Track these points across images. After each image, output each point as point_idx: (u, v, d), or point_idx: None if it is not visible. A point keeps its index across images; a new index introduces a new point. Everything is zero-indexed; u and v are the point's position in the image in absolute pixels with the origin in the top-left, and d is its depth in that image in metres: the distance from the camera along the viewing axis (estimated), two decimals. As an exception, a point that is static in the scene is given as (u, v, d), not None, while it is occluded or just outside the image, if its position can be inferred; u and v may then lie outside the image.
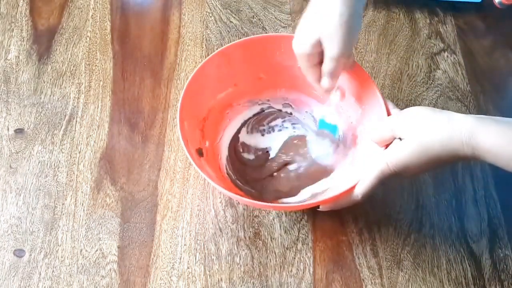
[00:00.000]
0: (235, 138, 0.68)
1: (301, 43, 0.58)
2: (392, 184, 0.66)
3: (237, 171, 0.66)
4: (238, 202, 0.64)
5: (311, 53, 0.58)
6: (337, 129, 0.65)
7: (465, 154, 0.49)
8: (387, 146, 0.56)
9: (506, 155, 0.48)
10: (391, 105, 0.61)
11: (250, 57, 0.65)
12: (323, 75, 0.59)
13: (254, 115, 0.70)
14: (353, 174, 0.59)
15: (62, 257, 0.61)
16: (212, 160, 0.65)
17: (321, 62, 0.59)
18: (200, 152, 0.62)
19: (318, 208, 0.59)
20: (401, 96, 0.74)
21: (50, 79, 0.73)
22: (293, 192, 0.64)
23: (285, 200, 0.64)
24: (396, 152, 0.53)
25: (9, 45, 0.75)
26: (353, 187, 0.56)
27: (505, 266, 0.62)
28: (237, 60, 0.65)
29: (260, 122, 0.70)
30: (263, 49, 0.65)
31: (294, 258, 0.62)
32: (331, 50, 0.56)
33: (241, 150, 0.68)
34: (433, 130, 0.51)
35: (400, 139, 0.54)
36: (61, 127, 0.69)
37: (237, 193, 0.62)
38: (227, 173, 0.65)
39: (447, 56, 0.78)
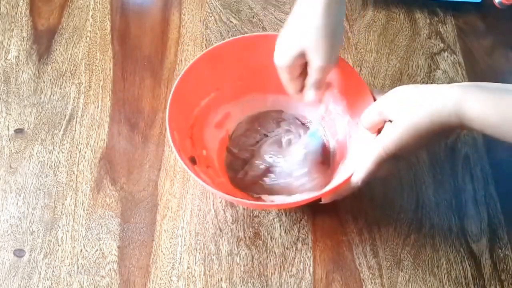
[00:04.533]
0: (226, 140, 0.68)
1: (283, 55, 0.58)
2: (392, 184, 0.66)
3: (234, 172, 0.66)
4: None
5: (294, 65, 0.58)
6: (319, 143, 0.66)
7: (454, 124, 0.50)
8: (378, 131, 0.56)
9: (491, 123, 0.48)
10: (376, 91, 0.61)
11: (230, 60, 0.65)
12: (308, 87, 0.59)
13: (244, 119, 0.69)
14: (350, 164, 0.60)
15: (62, 257, 0.61)
16: (207, 166, 0.65)
17: (302, 74, 0.59)
18: (193, 160, 0.62)
19: (320, 201, 0.59)
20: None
21: (50, 79, 0.73)
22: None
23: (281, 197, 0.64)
24: (389, 135, 0.53)
25: (9, 45, 0.75)
26: (350, 177, 0.56)
27: (505, 266, 0.62)
28: (217, 64, 0.65)
29: (252, 125, 0.69)
30: (244, 50, 0.65)
31: (294, 258, 0.62)
32: (317, 61, 0.57)
33: (233, 151, 0.67)
34: (420, 106, 0.51)
35: (390, 121, 0.54)
36: (61, 127, 0.69)
37: (237, 195, 0.62)
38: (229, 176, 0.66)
39: (447, 56, 0.78)
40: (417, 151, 0.68)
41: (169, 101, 0.60)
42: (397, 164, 0.58)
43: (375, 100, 0.60)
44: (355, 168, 0.56)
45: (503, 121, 0.47)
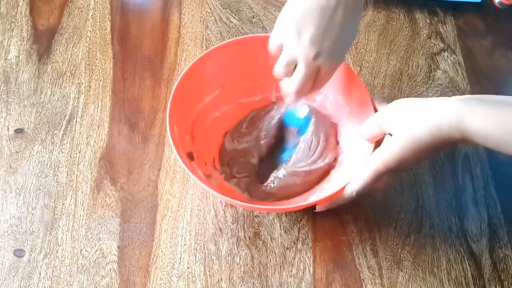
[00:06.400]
0: (225, 137, 0.68)
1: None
2: (392, 185, 0.66)
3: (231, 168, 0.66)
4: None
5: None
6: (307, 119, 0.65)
7: (455, 139, 0.49)
8: (377, 142, 0.56)
9: (494, 136, 0.47)
10: (378, 100, 0.61)
11: (235, 59, 0.65)
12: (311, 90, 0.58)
13: (244, 118, 0.69)
14: (346, 173, 0.60)
15: (62, 257, 0.61)
16: (205, 163, 0.65)
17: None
18: (190, 156, 0.62)
19: (315, 209, 0.59)
20: (401, 96, 0.73)
21: (50, 79, 0.73)
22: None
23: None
24: (388, 149, 0.53)
25: (9, 45, 0.75)
26: (345, 186, 0.56)
27: (505, 266, 0.62)
28: (223, 62, 0.65)
29: (252, 123, 0.69)
30: (249, 50, 0.65)
31: (294, 258, 0.62)
32: (329, 68, 0.56)
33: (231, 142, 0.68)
34: (420, 120, 0.50)
35: (390, 134, 0.54)
36: (61, 127, 0.69)
37: (232, 196, 0.61)
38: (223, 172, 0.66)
39: (447, 56, 0.78)
40: (416, 166, 0.67)
41: (171, 95, 0.60)
42: (397, 177, 0.57)
43: (375, 109, 0.60)
44: (351, 178, 0.56)
45: (506, 134, 0.47)
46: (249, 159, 0.66)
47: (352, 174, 0.57)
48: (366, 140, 0.57)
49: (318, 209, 0.59)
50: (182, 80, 0.62)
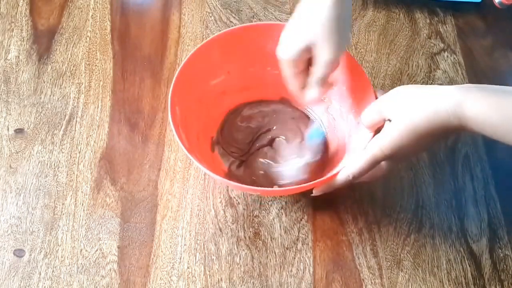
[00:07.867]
0: (227, 120, 0.69)
1: (288, 48, 0.56)
2: (392, 184, 0.66)
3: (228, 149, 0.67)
4: (238, 202, 0.64)
5: (299, 59, 0.57)
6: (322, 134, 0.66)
7: (453, 125, 0.49)
8: (377, 130, 0.56)
9: (492, 123, 0.48)
10: (380, 92, 0.61)
11: (243, 45, 0.65)
12: (312, 84, 0.58)
13: (247, 103, 0.70)
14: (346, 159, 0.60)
15: (62, 257, 0.61)
16: (205, 146, 0.66)
17: (305, 70, 0.58)
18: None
19: (311, 194, 0.59)
20: (401, 96, 0.73)
21: (50, 79, 0.73)
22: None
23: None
24: (387, 135, 0.53)
25: (9, 45, 0.75)
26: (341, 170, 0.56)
27: (505, 266, 0.62)
28: (230, 47, 0.65)
29: (255, 107, 0.70)
30: (257, 38, 0.65)
31: (294, 258, 0.62)
32: (326, 55, 0.55)
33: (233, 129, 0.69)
34: (419, 106, 0.51)
35: (390, 120, 0.54)
36: (61, 127, 0.69)
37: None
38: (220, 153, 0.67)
39: (447, 56, 0.78)
40: (415, 155, 0.67)
41: (175, 77, 0.60)
42: (396, 166, 0.57)
43: (376, 98, 0.60)
44: (348, 162, 0.56)
45: (504, 121, 0.47)
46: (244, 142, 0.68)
47: (349, 159, 0.57)
48: (367, 128, 0.57)
49: (315, 193, 0.58)
50: (188, 62, 0.61)
